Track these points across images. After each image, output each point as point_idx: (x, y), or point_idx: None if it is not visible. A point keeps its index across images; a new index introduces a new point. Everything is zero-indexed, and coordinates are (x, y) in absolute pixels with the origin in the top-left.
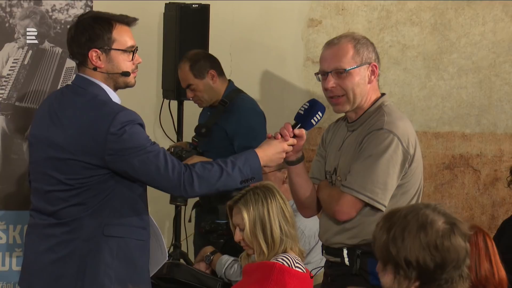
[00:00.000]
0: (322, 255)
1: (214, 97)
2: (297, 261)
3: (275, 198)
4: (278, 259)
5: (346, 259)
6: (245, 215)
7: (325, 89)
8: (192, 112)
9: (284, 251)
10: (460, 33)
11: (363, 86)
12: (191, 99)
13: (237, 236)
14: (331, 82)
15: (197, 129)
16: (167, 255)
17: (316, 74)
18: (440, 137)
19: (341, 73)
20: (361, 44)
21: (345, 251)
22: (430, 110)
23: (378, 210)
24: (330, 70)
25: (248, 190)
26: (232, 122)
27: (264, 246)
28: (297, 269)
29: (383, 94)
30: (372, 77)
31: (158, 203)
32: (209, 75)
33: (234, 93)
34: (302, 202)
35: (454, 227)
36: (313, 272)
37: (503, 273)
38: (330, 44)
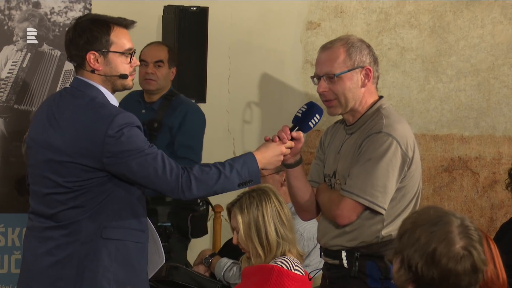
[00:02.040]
0: (321, 257)
1: (164, 89)
2: (296, 263)
3: (271, 201)
4: (277, 262)
5: (345, 261)
6: (239, 219)
7: (319, 93)
8: None
9: (283, 254)
10: (458, 36)
11: (355, 90)
12: (149, 73)
13: (235, 239)
14: (322, 86)
15: (149, 125)
16: (164, 258)
17: (312, 77)
18: (438, 140)
19: (331, 78)
20: (354, 48)
21: (343, 253)
22: (429, 112)
23: (378, 213)
24: (322, 74)
25: (245, 193)
26: (178, 117)
27: (260, 249)
28: (296, 271)
29: (380, 97)
30: (366, 80)
31: None
32: (173, 70)
33: (173, 92)
34: (300, 205)
35: (468, 255)
36: (312, 274)
37: (505, 275)
38: (324, 48)
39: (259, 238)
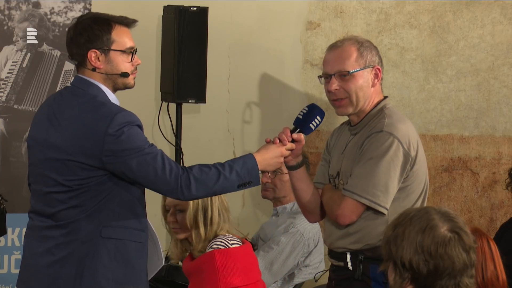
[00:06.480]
0: (329, 259)
1: None
2: (229, 238)
3: None
4: (213, 247)
5: (349, 264)
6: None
7: (328, 92)
8: (191, 114)
9: (217, 233)
10: (458, 36)
11: (366, 89)
12: None
13: (171, 217)
14: (335, 84)
15: None
16: (163, 260)
17: (319, 77)
18: (438, 140)
19: (344, 76)
20: (364, 47)
21: (348, 256)
22: (429, 112)
23: (380, 213)
24: (333, 72)
25: None
26: None
27: (203, 229)
28: (234, 245)
29: (385, 97)
30: (376, 80)
31: (156, 206)
32: None
33: None
34: (305, 206)
35: (456, 237)
36: (317, 276)
37: (505, 275)
38: (333, 46)
39: (205, 219)
